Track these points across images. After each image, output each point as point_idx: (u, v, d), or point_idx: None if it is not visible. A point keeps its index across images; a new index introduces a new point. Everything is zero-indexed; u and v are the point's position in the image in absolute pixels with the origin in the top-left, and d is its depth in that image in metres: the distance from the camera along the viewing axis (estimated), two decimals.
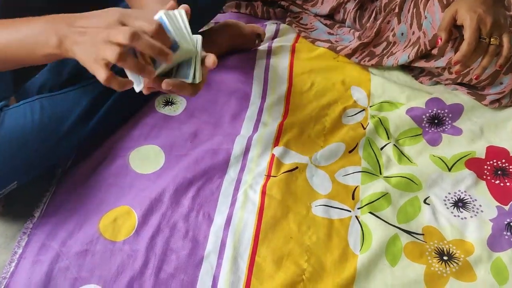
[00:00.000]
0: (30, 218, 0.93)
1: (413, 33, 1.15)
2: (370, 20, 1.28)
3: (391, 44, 1.22)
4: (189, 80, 0.72)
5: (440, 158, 1.03)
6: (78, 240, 0.88)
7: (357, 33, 1.30)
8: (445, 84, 1.18)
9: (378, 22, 1.24)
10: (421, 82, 1.21)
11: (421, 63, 1.14)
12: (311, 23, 1.38)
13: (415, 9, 1.14)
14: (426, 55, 1.12)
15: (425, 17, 1.09)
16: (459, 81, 1.13)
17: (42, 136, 0.88)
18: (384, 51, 1.22)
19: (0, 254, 0.89)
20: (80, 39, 0.64)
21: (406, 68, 1.23)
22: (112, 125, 1.07)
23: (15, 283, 0.83)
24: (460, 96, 1.14)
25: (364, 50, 1.24)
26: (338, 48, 1.26)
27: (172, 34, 0.67)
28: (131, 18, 0.64)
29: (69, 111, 0.93)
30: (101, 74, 0.64)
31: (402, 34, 1.19)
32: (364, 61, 1.23)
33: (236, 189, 0.97)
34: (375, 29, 1.23)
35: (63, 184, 0.98)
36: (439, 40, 1.00)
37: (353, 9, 1.31)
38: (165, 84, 0.69)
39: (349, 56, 1.25)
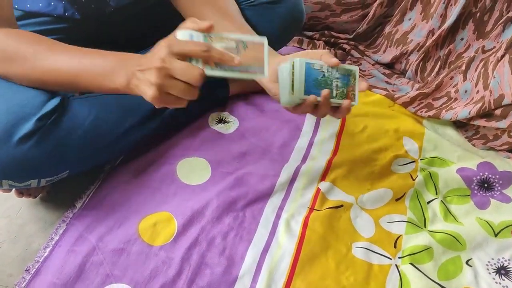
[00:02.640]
0: (71, 208, 0.93)
1: (477, 91, 1.14)
2: (432, 75, 1.27)
3: (452, 100, 1.21)
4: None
5: (487, 222, 1.00)
6: (115, 238, 0.87)
7: (416, 85, 1.30)
8: (498, 150, 1.16)
9: (441, 76, 1.23)
10: (473, 145, 1.19)
11: (481, 122, 1.12)
12: (368, 71, 1.39)
13: (483, 69, 1.13)
14: (487, 115, 1.11)
15: (494, 77, 1.09)
16: None
17: (101, 131, 0.87)
18: (443, 105, 1.21)
19: (37, 238, 0.89)
20: (140, 80, 0.69)
21: (460, 128, 1.21)
22: (168, 131, 1.07)
23: (46, 269, 0.82)
24: None
25: (422, 101, 1.23)
26: (395, 96, 1.26)
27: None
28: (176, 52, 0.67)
29: (133, 110, 0.93)
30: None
31: (466, 91, 1.18)
32: (421, 112, 1.22)
33: (278, 216, 0.95)
34: (436, 82, 1.22)
35: (109, 180, 0.97)
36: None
37: (416, 60, 1.31)
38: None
39: (406, 105, 1.24)
